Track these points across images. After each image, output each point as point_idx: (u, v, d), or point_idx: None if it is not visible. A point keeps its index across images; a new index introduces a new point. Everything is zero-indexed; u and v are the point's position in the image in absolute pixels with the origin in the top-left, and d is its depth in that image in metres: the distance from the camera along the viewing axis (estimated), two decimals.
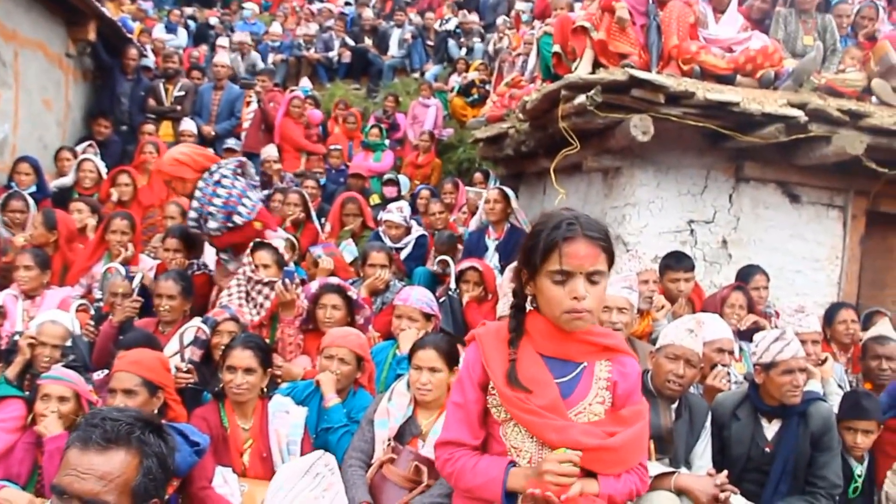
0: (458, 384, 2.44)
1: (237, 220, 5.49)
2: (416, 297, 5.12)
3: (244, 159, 5.75)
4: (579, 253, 2.21)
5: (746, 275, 5.96)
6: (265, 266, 5.33)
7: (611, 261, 2.29)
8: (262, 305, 5.31)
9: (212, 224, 5.47)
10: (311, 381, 4.33)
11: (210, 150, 5.90)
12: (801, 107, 5.83)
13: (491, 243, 7.00)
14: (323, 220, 8.48)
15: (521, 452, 2.38)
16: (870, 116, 5.97)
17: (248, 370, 3.88)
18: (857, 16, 7.32)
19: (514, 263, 2.78)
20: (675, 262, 5.74)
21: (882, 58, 6.38)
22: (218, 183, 5.46)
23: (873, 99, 6.35)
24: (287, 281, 5.18)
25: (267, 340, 5.14)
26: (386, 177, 10.49)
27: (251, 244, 5.42)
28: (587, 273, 2.23)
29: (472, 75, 12.11)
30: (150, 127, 10.06)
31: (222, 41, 14.02)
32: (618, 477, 2.33)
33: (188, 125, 10.15)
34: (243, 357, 3.89)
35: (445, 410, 2.48)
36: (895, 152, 6.10)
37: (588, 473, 2.33)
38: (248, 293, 5.31)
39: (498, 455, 2.41)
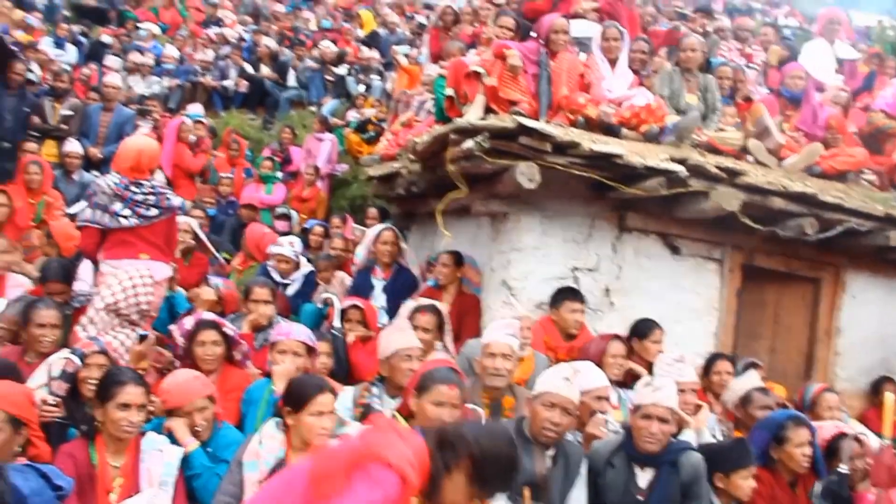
0: None
1: None
2: (298, 331, 5.03)
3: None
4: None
5: (645, 329, 6.01)
6: None
7: None
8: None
9: None
10: None
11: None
12: (682, 162, 5.98)
13: (378, 283, 6.93)
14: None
15: None
16: (745, 175, 6.19)
17: (142, 407, 3.85)
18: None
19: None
20: (572, 294, 5.90)
21: (757, 120, 6.71)
22: None
23: (749, 158, 6.64)
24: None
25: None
26: (278, 210, 10.37)
27: None
28: None
29: (369, 112, 12.11)
30: (32, 145, 9.56)
31: (114, 62, 13.61)
32: None
33: (73, 146, 9.70)
34: (138, 394, 3.83)
35: None
36: (769, 210, 6.34)
37: None
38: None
39: None
